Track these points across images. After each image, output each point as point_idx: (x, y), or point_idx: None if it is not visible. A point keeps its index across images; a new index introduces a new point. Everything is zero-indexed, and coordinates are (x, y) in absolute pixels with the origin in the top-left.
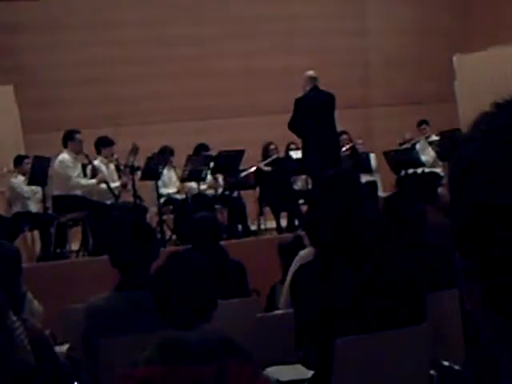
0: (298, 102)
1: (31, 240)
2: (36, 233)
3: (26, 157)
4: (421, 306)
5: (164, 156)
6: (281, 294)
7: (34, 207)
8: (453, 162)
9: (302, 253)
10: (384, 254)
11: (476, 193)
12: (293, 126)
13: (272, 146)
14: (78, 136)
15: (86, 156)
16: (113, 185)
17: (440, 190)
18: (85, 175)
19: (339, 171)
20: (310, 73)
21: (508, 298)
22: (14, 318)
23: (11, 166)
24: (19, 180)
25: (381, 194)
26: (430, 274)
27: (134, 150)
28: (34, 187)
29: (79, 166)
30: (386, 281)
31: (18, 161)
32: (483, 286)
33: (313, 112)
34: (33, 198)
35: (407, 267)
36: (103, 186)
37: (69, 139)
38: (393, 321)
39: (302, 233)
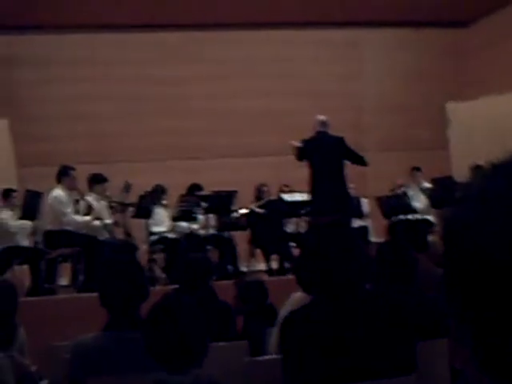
0: (305, 142)
1: (20, 274)
2: (25, 267)
3: (14, 191)
4: (411, 356)
5: (156, 194)
6: (268, 337)
7: (22, 241)
8: (446, 220)
9: (295, 296)
10: (374, 302)
11: (468, 253)
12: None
13: (265, 188)
14: (72, 172)
15: (80, 192)
16: (105, 222)
17: (431, 237)
18: (76, 211)
19: (334, 219)
20: (321, 117)
21: (500, 361)
22: (1, 355)
23: None
24: (7, 214)
25: (372, 239)
26: (421, 323)
27: (127, 188)
28: (22, 221)
29: (72, 202)
30: (376, 329)
31: (6, 194)
32: (473, 346)
33: (320, 154)
34: (21, 233)
35: (398, 315)
36: (97, 222)
37: (63, 175)
38: (382, 370)
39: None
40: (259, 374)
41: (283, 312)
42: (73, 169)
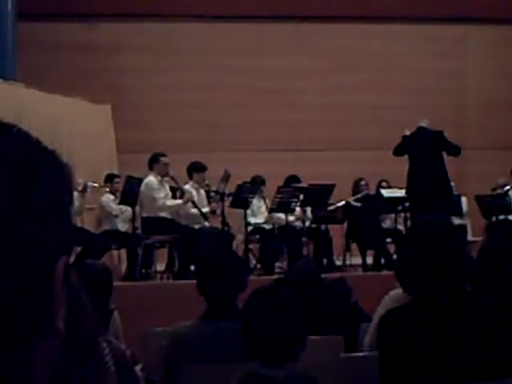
0: (405, 138)
1: (117, 258)
2: (123, 251)
3: (117, 176)
4: (510, 359)
5: (255, 185)
6: (362, 334)
7: (122, 226)
8: None
9: (393, 293)
10: (475, 304)
11: None
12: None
13: (363, 182)
14: (162, 159)
15: (172, 178)
16: (202, 210)
17: None
18: (174, 198)
19: (434, 219)
20: (423, 119)
21: None
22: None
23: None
24: (108, 198)
25: (470, 238)
26: None
27: (226, 177)
28: (122, 206)
29: (167, 188)
30: (475, 331)
31: (109, 179)
32: None
33: (419, 148)
34: (121, 217)
35: (498, 318)
36: (192, 209)
37: (154, 162)
38: (481, 373)
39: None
40: (354, 370)
41: (381, 309)
42: (164, 155)
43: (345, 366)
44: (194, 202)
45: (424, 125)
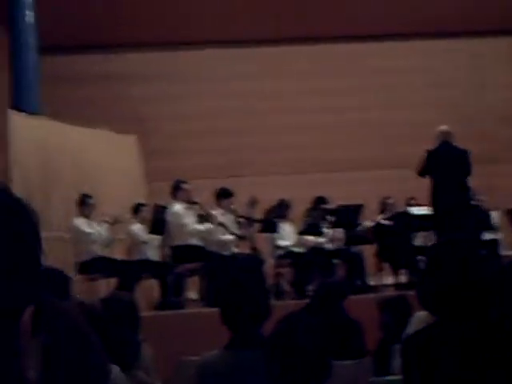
0: (429, 154)
1: (150, 288)
2: (154, 281)
3: (144, 205)
4: None
5: (281, 209)
6: (395, 356)
7: (152, 254)
8: None
9: (420, 314)
10: (499, 326)
11: None
12: (422, 173)
13: (390, 201)
14: (184, 186)
15: (199, 204)
16: (230, 237)
17: None
18: (199, 223)
19: (454, 239)
20: (443, 127)
21: None
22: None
23: (128, 214)
24: (137, 227)
25: (503, 252)
26: None
27: (253, 202)
28: (151, 236)
29: (193, 214)
30: (499, 355)
31: (137, 209)
32: None
33: (443, 166)
34: (151, 245)
35: None
36: (221, 236)
37: (176, 190)
38: None
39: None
40: None
41: (408, 330)
42: (185, 182)
43: None
44: (223, 225)
45: (446, 139)
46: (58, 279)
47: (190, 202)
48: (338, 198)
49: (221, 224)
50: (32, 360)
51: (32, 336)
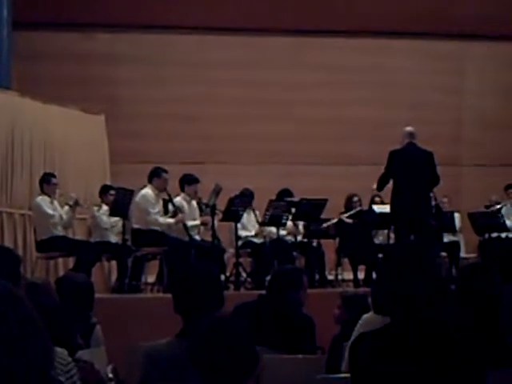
0: (392, 154)
1: (108, 270)
2: (113, 263)
3: (112, 188)
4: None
5: (245, 198)
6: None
7: (113, 238)
8: None
9: (365, 317)
10: (450, 330)
11: None
12: (382, 181)
13: (355, 198)
14: (164, 175)
15: (169, 195)
16: (193, 223)
17: None
18: (166, 212)
19: (408, 245)
20: (409, 128)
21: None
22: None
23: (96, 194)
24: (103, 209)
25: (463, 255)
26: (494, 352)
27: (217, 190)
28: (113, 219)
29: (160, 203)
30: (449, 357)
31: (104, 191)
32: None
33: (407, 167)
34: (111, 230)
35: (476, 350)
36: (187, 222)
37: (155, 176)
38: None
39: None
40: None
41: (355, 332)
42: (165, 171)
43: None
44: (185, 225)
45: (411, 140)
46: (8, 258)
47: (162, 192)
48: (305, 192)
49: (184, 224)
50: None
51: None
